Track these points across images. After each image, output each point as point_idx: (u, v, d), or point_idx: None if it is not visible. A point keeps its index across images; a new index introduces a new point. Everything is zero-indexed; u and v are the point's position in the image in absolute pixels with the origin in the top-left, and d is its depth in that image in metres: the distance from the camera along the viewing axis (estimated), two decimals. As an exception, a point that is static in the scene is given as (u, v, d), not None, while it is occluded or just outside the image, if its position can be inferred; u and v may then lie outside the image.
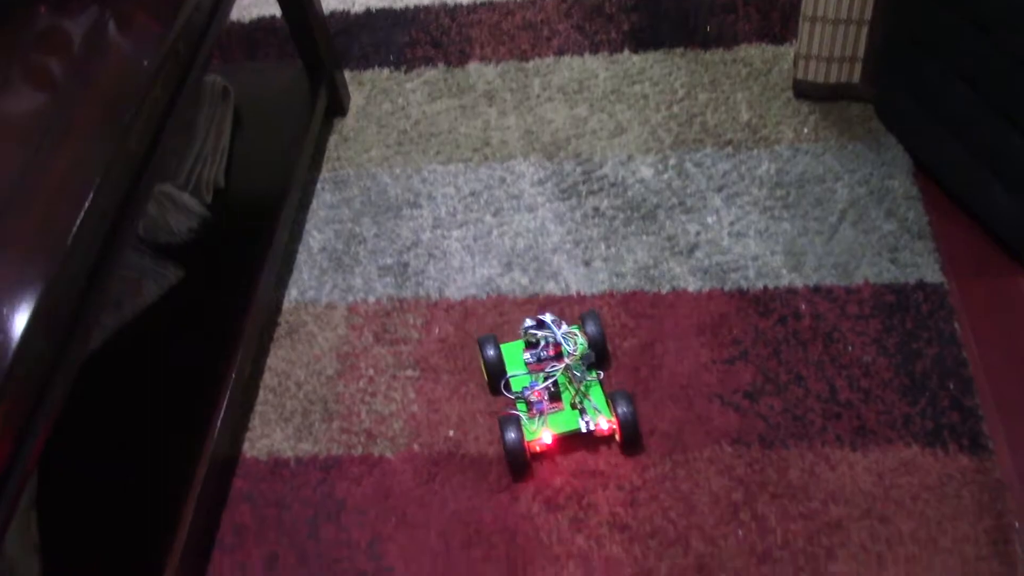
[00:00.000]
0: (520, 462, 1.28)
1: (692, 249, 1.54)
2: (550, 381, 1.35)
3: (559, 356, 1.38)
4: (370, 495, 1.31)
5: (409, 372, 1.43)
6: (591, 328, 1.39)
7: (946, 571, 1.17)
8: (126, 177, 1.07)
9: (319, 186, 1.73)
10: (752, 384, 1.36)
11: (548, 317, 1.40)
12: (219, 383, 1.33)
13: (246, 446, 1.38)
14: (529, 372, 1.38)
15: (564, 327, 1.39)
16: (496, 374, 1.38)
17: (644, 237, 1.57)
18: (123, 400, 1.34)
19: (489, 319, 1.48)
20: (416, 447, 1.35)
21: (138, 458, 1.28)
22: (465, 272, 1.55)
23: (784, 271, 1.49)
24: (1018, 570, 1.16)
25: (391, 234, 1.62)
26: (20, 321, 0.86)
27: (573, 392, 1.34)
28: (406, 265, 1.57)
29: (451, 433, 1.36)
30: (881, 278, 1.46)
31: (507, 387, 1.37)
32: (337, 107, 1.84)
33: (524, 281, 1.53)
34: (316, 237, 1.64)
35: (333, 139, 1.81)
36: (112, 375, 1.36)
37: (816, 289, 1.46)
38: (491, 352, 1.38)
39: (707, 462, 1.29)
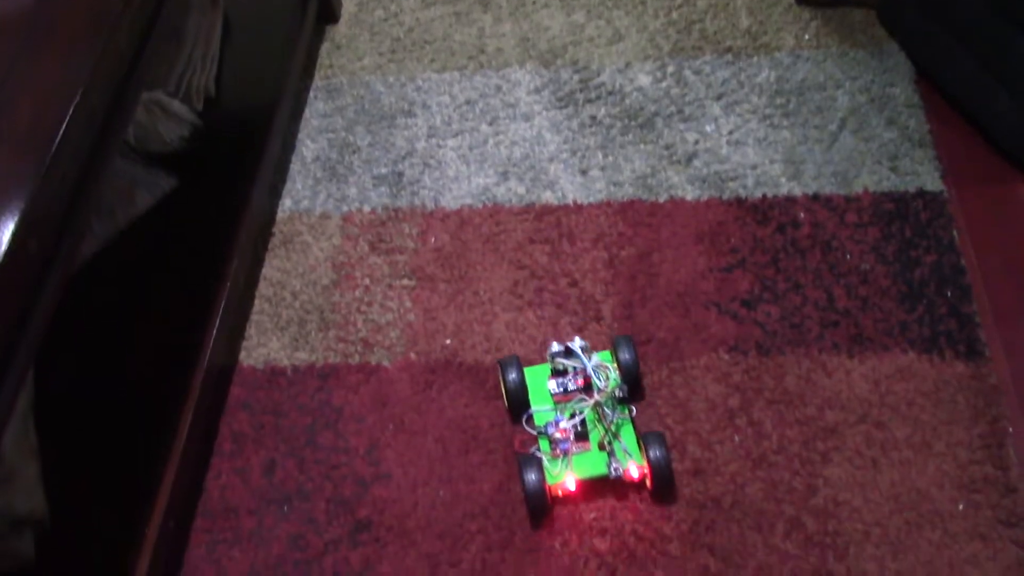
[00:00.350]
0: (540, 507, 1.17)
1: (690, 158, 1.52)
2: (578, 420, 1.21)
3: (588, 387, 1.24)
4: (367, 403, 1.31)
5: (405, 281, 1.42)
6: (624, 355, 1.25)
7: (940, 475, 1.18)
8: (113, 79, 1.05)
9: (311, 95, 1.70)
10: (750, 292, 1.35)
11: (578, 344, 1.25)
12: (214, 292, 1.32)
13: (243, 355, 1.37)
14: (554, 404, 1.24)
15: (595, 358, 1.24)
16: (518, 401, 1.24)
17: (642, 146, 1.55)
18: (120, 309, 1.33)
19: (485, 228, 1.46)
20: (413, 355, 1.35)
21: (135, 366, 1.28)
22: (461, 181, 1.53)
23: (783, 179, 1.47)
24: (1011, 473, 1.17)
25: (385, 143, 1.60)
26: (8, 221, 0.84)
27: (602, 432, 1.20)
28: (401, 175, 1.55)
29: (448, 342, 1.35)
30: (880, 186, 1.45)
31: (529, 421, 1.24)
32: (328, 14, 1.80)
33: (520, 190, 1.51)
34: (309, 146, 1.61)
35: (325, 47, 1.77)
36: (108, 284, 1.35)
37: (815, 197, 1.45)
38: (513, 376, 1.24)
39: (704, 370, 1.29)
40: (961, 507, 1.15)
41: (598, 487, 1.20)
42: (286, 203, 1.55)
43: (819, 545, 1.14)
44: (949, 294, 1.33)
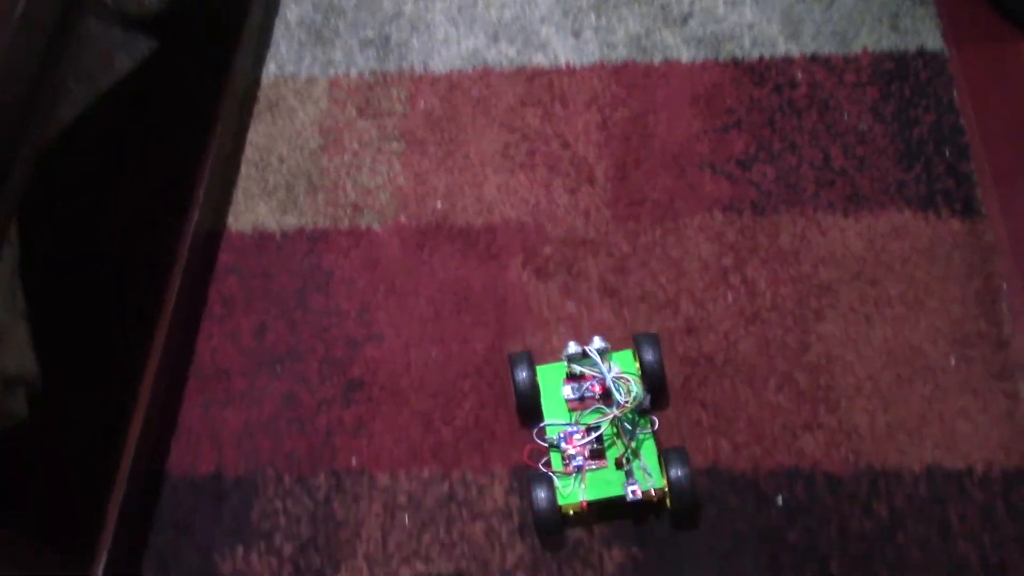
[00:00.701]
0: (550, 528, 1.07)
1: (686, 18, 1.48)
2: (594, 436, 1.09)
3: (607, 394, 1.12)
4: (358, 266, 1.30)
5: (395, 145, 1.40)
6: (648, 357, 1.12)
7: (933, 330, 1.18)
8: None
9: (294, -43, 1.64)
10: (745, 152, 1.33)
11: (596, 346, 1.11)
12: (200, 156, 1.30)
13: (230, 220, 1.35)
14: (569, 411, 1.12)
15: (616, 368, 1.12)
16: (528, 402, 1.13)
17: (636, 7, 1.50)
18: (104, 174, 1.31)
19: (475, 91, 1.43)
20: (403, 219, 1.33)
21: (123, 231, 1.26)
22: (450, 44, 1.49)
23: (780, 40, 1.44)
24: (1004, 328, 1.17)
25: (371, 5, 1.55)
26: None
27: (622, 449, 1.08)
28: (388, 38, 1.51)
29: (439, 205, 1.34)
30: (880, 46, 1.41)
31: (540, 433, 1.12)
32: None
33: (511, 52, 1.47)
34: (293, 10, 1.56)
35: (307, -92, 1.71)
36: (91, 151, 1.32)
37: (813, 58, 1.41)
38: (524, 375, 1.12)
39: (697, 229, 1.28)
40: (953, 362, 1.16)
41: (613, 506, 1.08)
42: (270, 68, 1.50)
43: (811, 399, 1.15)
44: (947, 153, 1.31)
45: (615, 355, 1.14)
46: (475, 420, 1.17)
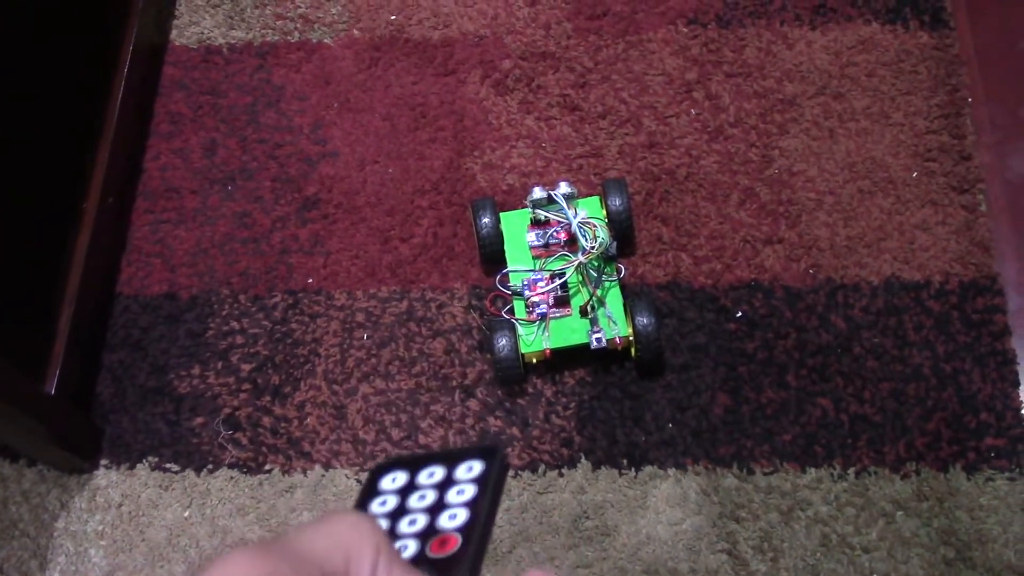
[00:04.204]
0: (512, 377, 1.04)
1: None
2: (559, 283, 1.04)
3: (572, 241, 1.06)
4: (310, 81, 1.25)
5: (345, -45, 1.33)
6: (614, 203, 1.07)
7: (896, 144, 1.16)
8: None
9: None
10: (711, -37, 1.28)
11: (563, 191, 1.05)
12: (137, -37, 1.22)
13: (174, 34, 1.29)
14: (533, 259, 1.07)
15: (581, 212, 1.05)
16: (491, 249, 1.09)
17: None
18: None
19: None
20: (356, 32, 1.27)
21: (58, 42, 1.19)
22: None
23: None
24: (967, 141, 1.16)
25: None
26: None
27: (587, 297, 1.04)
28: None
29: (393, 17, 1.28)
30: None
31: (503, 280, 1.07)
32: None
33: None
34: None
35: None
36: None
37: None
38: (487, 220, 1.08)
39: (661, 43, 1.24)
40: (915, 175, 1.15)
41: (577, 354, 1.05)
42: None
43: (772, 214, 1.14)
44: (917, -36, 1.27)
45: (582, 201, 1.09)
46: (433, 237, 1.15)
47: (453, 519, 0.38)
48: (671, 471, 1.02)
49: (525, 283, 1.06)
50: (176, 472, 1.05)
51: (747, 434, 1.03)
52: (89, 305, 1.09)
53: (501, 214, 1.09)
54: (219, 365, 1.11)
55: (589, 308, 1.03)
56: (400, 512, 0.39)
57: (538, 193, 1.06)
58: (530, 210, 1.08)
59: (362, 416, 1.07)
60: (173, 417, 1.08)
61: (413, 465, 0.41)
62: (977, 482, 1.00)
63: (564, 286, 1.04)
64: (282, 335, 1.12)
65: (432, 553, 0.37)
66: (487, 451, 0.41)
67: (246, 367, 1.10)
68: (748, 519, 0.99)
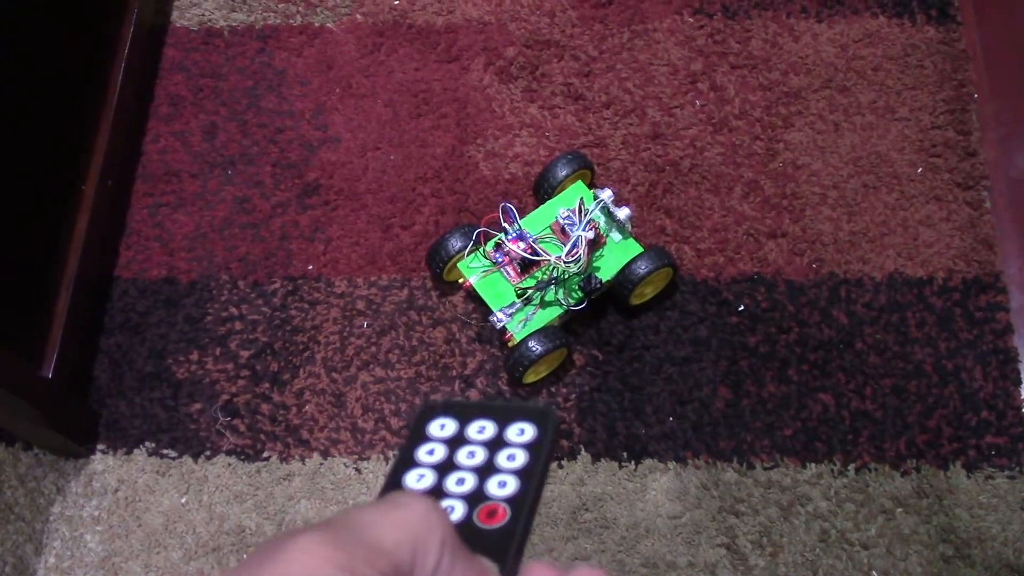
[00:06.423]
0: (429, 259, 1.07)
1: None
2: (529, 254, 1.01)
3: (596, 241, 1.04)
4: (312, 65, 1.23)
5: (348, -62, 1.31)
6: (638, 269, 1.02)
7: (901, 139, 1.16)
8: None
9: None
10: (718, -47, 1.27)
11: (607, 195, 1.03)
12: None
13: (175, 15, 1.28)
14: (548, 226, 1.06)
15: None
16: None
17: None
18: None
19: None
20: (359, 17, 1.26)
21: (58, 22, 1.18)
22: None
23: None
24: (972, 137, 1.15)
25: None
26: None
27: (536, 291, 1.02)
28: None
29: (396, 3, 1.27)
30: None
31: (507, 219, 1.04)
32: None
33: None
34: None
35: None
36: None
37: None
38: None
39: (667, 32, 1.23)
40: (920, 170, 1.14)
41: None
42: None
43: (776, 207, 1.13)
44: (925, -42, 1.26)
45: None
46: (435, 225, 1.14)
47: (503, 487, 0.36)
48: (671, 464, 1.02)
49: (517, 232, 1.03)
50: (173, 458, 1.05)
51: (748, 428, 1.03)
52: (87, 289, 1.08)
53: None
54: (217, 351, 1.10)
55: (525, 299, 1.02)
56: (448, 467, 0.37)
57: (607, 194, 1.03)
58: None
59: (361, 404, 1.06)
60: (171, 402, 1.07)
61: (463, 414, 0.39)
62: (977, 480, 0.99)
63: (532, 261, 1.02)
64: (281, 322, 1.11)
65: (480, 522, 0.35)
66: (540, 414, 0.38)
67: (245, 353, 1.10)
68: (748, 513, 0.99)
